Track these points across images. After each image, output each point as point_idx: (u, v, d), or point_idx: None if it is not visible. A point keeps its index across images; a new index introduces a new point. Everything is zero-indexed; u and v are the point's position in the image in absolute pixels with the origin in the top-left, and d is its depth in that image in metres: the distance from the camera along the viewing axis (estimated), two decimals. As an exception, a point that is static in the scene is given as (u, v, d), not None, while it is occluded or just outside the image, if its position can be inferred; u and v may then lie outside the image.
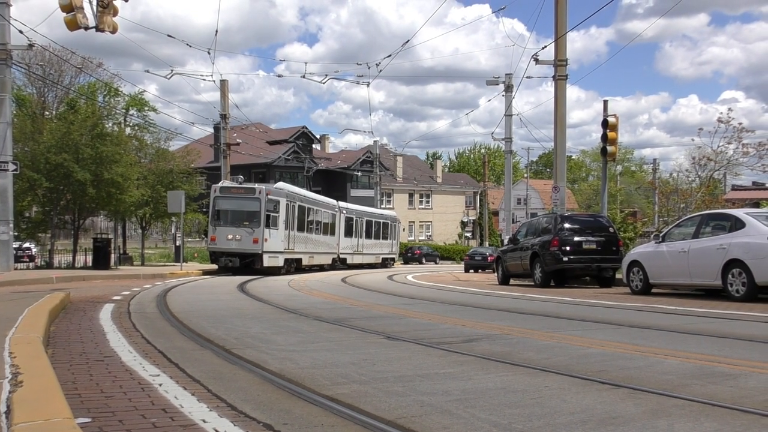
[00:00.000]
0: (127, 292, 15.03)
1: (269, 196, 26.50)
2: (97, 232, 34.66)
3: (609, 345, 6.88)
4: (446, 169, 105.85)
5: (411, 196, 78.67)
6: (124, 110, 42.59)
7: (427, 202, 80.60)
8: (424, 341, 7.16)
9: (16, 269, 23.32)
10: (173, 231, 43.09)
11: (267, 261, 26.27)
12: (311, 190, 48.55)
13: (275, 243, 26.78)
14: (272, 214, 26.62)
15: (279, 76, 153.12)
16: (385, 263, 43.40)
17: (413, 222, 79.16)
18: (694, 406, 4.28)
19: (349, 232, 37.72)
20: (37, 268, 26.73)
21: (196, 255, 42.31)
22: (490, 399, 4.48)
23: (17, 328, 6.68)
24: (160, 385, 4.94)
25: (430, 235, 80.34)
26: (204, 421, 3.96)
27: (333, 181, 65.35)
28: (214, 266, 27.15)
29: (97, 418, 3.98)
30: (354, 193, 66.62)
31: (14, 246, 24.32)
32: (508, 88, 34.20)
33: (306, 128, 65.50)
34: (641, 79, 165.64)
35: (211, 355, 6.39)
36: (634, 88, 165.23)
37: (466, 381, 5.07)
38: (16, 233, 25.92)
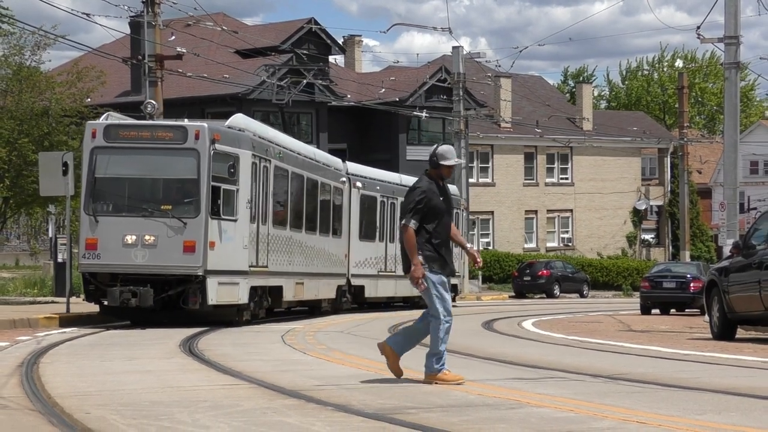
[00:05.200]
0: (-39, 357, 15.27)
1: (217, 145, 24.30)
2: None
3: None
4: (602, 105, 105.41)
5: (530, 158, 78.42)
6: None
7: (564, 171, 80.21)
8: (561, 455, 7.16)
9: None
10: (50, 234, 43.86)
11: (215, 293, 24.14)
12: (329, 150, 48.72)
13: (231, 252, 24.85)
14: (225, 186, 24.59)
15: None
16: None
17: (534, 212, 78.85)
18: None
19: (369, 231, 37.28)
20: None
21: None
22: None
23: None
24: None
25: (569, 239, 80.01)
26: None
27: (370, 130, 65.52)
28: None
29: None
30: (412, 153, 66.54)
31: None
32: (731, -65, 33.81)
33: (316, 23, 65.68)
34: None
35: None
36: None
37: None
38: None
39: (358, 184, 35.61)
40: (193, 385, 12.02)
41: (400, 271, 37.89)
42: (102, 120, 25.48)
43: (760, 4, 39.97)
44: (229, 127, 25.24)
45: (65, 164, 26.47)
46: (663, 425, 8.55)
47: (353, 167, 36.90)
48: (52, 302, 32.32)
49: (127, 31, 50.33)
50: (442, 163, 11.93)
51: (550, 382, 12.34)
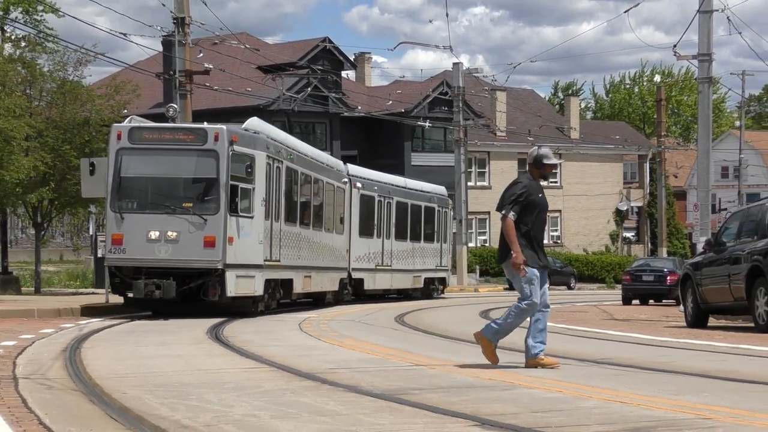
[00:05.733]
0: (10, 343, 15.28)
1: (235, 146, 23.56)
2: (-45, 234, 35.40)
3: None
4: (588, 115, 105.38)
5: (523, 164, 78.27)
6: (0, 12, 43.32)
7: (553, 176, 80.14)
8: (550, 431, 7.14)
9: None
10: (91, 231, 43.82)
11: (234, 286, 23.46)
12: (342, 157, 48.69)
13: (248, 247, 24.12)
14: (243, 184, 23.79)
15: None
16: (431, 289, 42.06)
17: (527, 212, 78.97)
18: None
19: (367, 227, 36.24)
20: None
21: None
22: None
23: None
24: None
25: (558, 237, 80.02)
26: None
27: (378, 138, 65.45)
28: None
29: None
30: (417, 159, 66.63)
31: None
32: (704, -38, 33.76)
33: (330, 42, 65.65)
34: None
35: (163, 455, 6.48)
36: None
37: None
38: None
39: (358, 184, 34.92)
40: (219, 368, 12.04)
41: (395, 266, 37.86)
42: (126, 123, 24.69)
43: (731, 25, 39.86)
44: (245, 130, 24.55)
45: (92, 164, 25.97)
46: (642, 404, 8.55)
47: (353, 169, 36.30)
48: (92, 293, 32.34)
49: (160, 49, 50.24)
50: (546, 162, 11.82)
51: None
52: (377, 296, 36.48)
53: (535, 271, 11.47)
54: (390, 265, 37.57)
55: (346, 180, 33.70)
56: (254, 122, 25.64)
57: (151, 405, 8.63)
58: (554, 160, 12.05)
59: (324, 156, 33.36)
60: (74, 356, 13.19)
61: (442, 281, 43.89)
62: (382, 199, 37.10)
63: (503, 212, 11.52)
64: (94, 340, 16.27)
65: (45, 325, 20.12)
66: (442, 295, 42.64)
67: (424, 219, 41.42)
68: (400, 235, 38.59)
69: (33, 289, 35.91)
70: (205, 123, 25.50)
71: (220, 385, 10.09)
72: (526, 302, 11.42)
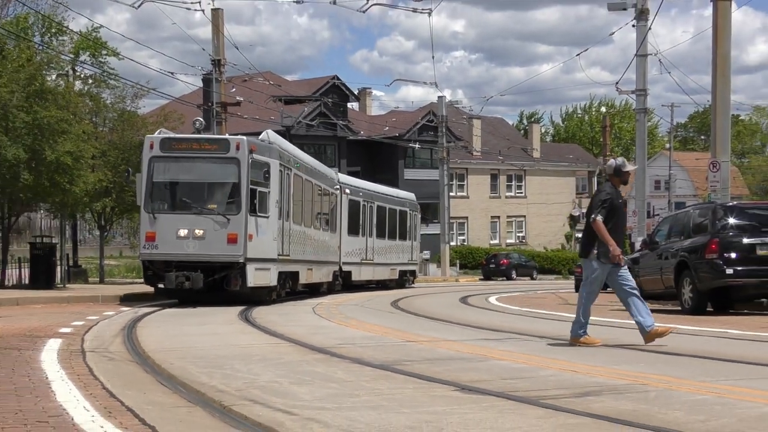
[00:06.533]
0: (80, 323, 15.29)
1: (254, 155, 22.25)
2: (35, 235, 35.33)
3: (797, 402, 6.77)
4: (548, 138, 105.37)
5: (494, 178, 78.44)
6: (72, 55, 43.29)
7: (519, 187, 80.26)
8: (515, 394, 7.16)
9: None
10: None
11: (253, 277, 22.14)
12: (348, 172, 48.67)
13: (265, 243, 22.83)
14: (261, 188, 22.49)
15: (297, 1, 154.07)
16: (404, 280, 41.16)
17: (497, 217, 78.84)
18: None
19: (354, 227, 34.85)
20: (-50, 287, 27.36)
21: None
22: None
23: (-74, 375, 6.88)
24: (131, 457, 5.04)
25: (523, 237, 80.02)
26: None
27: (377, 157, 65.54)
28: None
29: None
30: (409, 174, 66.71)
31: None
32: (641, 15, 33.78)
33: (338, 79, 65.78)
34: None
35: (203, 414, 6.50)
36: None
37: (581, 455, 5.05)
38: None
39: (347, 190, 33.92)
40: (248, 343, 12.04)
41: (376, 260, 37.07)
42: (157, 134, 23.60)
43: (662, 66, 39.93)
44: (261, 140, 23.44)
45: (128, 171, 25.52)
46: (589, 373, 8.56)
47: (343, 177, 35.34)
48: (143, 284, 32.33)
49: (200, 84, 50.15)
50: (625, 170, 11.44)
51: (509, 342, 12.34)
52: (361, 286, 35.68)
53: (609, 267, 11.23)
54: (372, 260, 36.67)
55: (337, 187, 32.76)
56: (269, 134, 24.70)
57: (192, 373, 8.64)
58: (630, 167, 11.63)
59: (321, 165, 32.37)
60: (131, 334, 13.21)
61: (413, 273, 43.30)
62: (366, 204, 36.16)
63: (593, 216, 11.23)
64: (146, 321, 16.29)
65: (107, 308, 20.16)
66: (413, 285, 41.90)
67: (399, 221, 40.58)
68: (380, 234, 37.71)
69: (98, 279, 35.97)
70: (227, 135, 24.89)
71: (248, 357, 10.10)
72: (589, 289, 11.31)
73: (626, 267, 11.51)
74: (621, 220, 11.53)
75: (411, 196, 44.29)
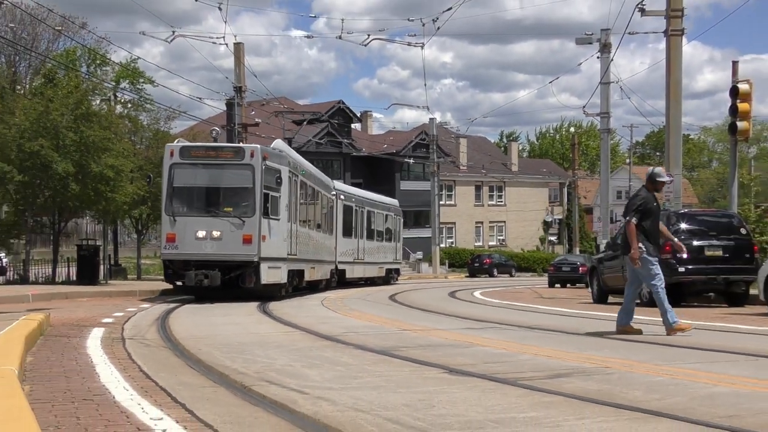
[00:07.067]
0: (120, 314, 15.31)
1: (267, 162, 21.19)
2: (81, 238, 35.35)
3: (742, 382, 6.77)
4: (524, 155, 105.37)
5: (478, 189, 78.45)
6: (113, 83, 43.34)
7: (500, 197, 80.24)
8: (497, 376, 7.15)
9: (-17, 285, 23.95)
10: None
11: (266, 275, 21.13)
12: (351, 184, 48.64)
13: (276, 244, 21.74)
14: (272, 193, 21.41)
15: (308, 36, 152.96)
16: (389, 277, 40.45)
17: (481, 222, 78.88)
18: None
19: (348, 230, 33.77)
20: (8, 282, 27.39)
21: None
22: (584, 452, 4.44)
23: (-13, 359, 6.86)
24: (164, 431, 5.03)
25: (503, 240, 80.00)
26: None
27: (377, 171, 65.53)
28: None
29: (86, 472, 4.06)
30: (404, 185, 66.73)
31: (-20, 256, 24.91)
32: (605, 48, 33.83)
33: (343, 103, 65.88)
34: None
35: (226, 393, 6.48)
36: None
37: (554, 428, 5.04)
38: (-18, 240, 26.18)
39: (342, 196, 33.08)
40: (265, 332, 12.03)
41: (366, 259, 36.57)
42: (178, 143, 22.72)
43: (623, 92, 39.89)
44: (273, 149, 22.43)
45: (149, 177, 25.38)
46: (561, 358, 8.54)
47: (338, 185, 34.38)
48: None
49: (224, 108, 50.22)
50: (659, 180, 11.24)
51: (491, 330, 12.33)
52: (354, 283, 35.03)
53: (654, 259, 11.01)
54: (363, 259, 35.96)
55: (334, 193, 31.89)
56: (279, 143, 23.76)
57: (217, 358, 8.63)
58: (665, 179, 11.41)
59: (320, 173, 31.38)
60: (164, 323, 13.20)
61: (397, 271, 42.85)
62: (358, 209, 35.43)
63: (628, 218, 11.07)
64: (177, 312, 16.28)
65: (143, 301, 20.16)
66: (397, 281, 41.40)
67: (385, 224, 40.04)
68: (369, 236, 37.00)
69: (135, 276, 35.94)
70: (242, 143, 24.18)
71: (266, 344, 10.08)
72: (661, 285, 10.98)
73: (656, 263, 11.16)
74: (655, 221, 11.24)
75: (395, 202, 43.92)
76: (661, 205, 12.10)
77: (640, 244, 10.94)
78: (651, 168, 11.70)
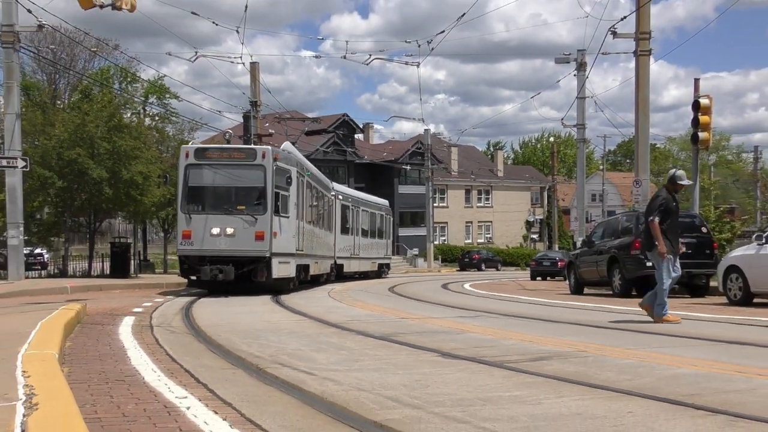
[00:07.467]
0: (148, 304, 15.32)
1: (278, 163, 20.26)
2: (114, 236, 35.35)
3: (703, 364, 6.77)
4: (509, 162, 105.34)
5: (468, 192, 78.44)
6: (142, 98, 43.35)
7: (487, 199, 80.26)
8: (485, 359, 7.14)
9: (27, 278, 23.95)
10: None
11: (277, 270, 20.27)
12: (355, 188, 48.59)
13: (286, 240, 20.86)
14: (282, 192, 20.52)
15: (316, 56, 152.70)
16: (381, 271, 39.64)
17: (471, 222, 78.88)
18: (805, 436, 4.17)
19: (345, 227, 32.93)
20: (49, 276, 27.42)
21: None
22: (563, 426, 4.45)
23: (30, 344, 6.87)
24: (188, 408, 5.03)
25: (490, 237, 79.97)
26: (237, 449, 4.01)
27: (378, 176, 65.51)
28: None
29: (119, 445, 4.07)
30: (402, 189, 66.71)
31: (25, 252, 24.86)
32: (581, 67, 33.84)
33: (347, 116, 65.84)
34: (754, 49, 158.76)
35: (243, 374, 6.48)
36: (744, 62, 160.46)
37: (535, 405, 5.04)
38: (26, 237, 25.85)
39: (340, 197, 32.29)
40: (279, 320, 12.02)
41: (361, 255, 36.00)
42: (192, 144, 21.95)
43: (597, 106, 39.85)
44: (283, 150, 21.63)
45: (165, 177, 24.88)
46: (541, 342, 8.54)
47: (337, 186, 33.44)
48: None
49: (241, 120, 50.31)
50: (680, 182, 10.95)
51: (480, 319, 12.32)
52: (350, 277, 34.35)
53: (671, 257, 10.87)
54: (358, 255, 35.28)
55: (333, 193, 31.10)
56: (288, 146, 22.96)
57: (235, 343, 8.62)
58: (686, 182, 11.06)
59: (321, 175, 30.44)
60: (188, 312, 13.19)
61: (388, 266, 42.32)
62: (354, 208, 34.77)
63: (651, 217, 10.80)
64: (200, 303, 16.28)
65: (170, 293, 20.15)
66: (388, 276, 40.82)
67: (378, 222, 39.48)
68: (364, 234, 36.38)
69: (162, 270, 35.90)
70: (254, 145, 23.46)
71: (279, 331, 10.08)
72: (668, 282, 10.79)
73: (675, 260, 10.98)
74: (675, 220, 11.01)
75: (385, 202, 43.30)
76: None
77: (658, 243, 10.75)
78: (673, 170, 11.33)
